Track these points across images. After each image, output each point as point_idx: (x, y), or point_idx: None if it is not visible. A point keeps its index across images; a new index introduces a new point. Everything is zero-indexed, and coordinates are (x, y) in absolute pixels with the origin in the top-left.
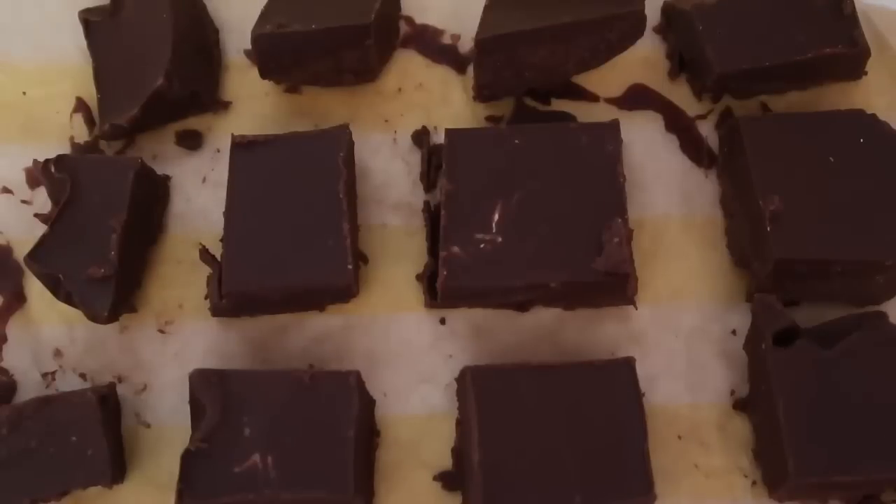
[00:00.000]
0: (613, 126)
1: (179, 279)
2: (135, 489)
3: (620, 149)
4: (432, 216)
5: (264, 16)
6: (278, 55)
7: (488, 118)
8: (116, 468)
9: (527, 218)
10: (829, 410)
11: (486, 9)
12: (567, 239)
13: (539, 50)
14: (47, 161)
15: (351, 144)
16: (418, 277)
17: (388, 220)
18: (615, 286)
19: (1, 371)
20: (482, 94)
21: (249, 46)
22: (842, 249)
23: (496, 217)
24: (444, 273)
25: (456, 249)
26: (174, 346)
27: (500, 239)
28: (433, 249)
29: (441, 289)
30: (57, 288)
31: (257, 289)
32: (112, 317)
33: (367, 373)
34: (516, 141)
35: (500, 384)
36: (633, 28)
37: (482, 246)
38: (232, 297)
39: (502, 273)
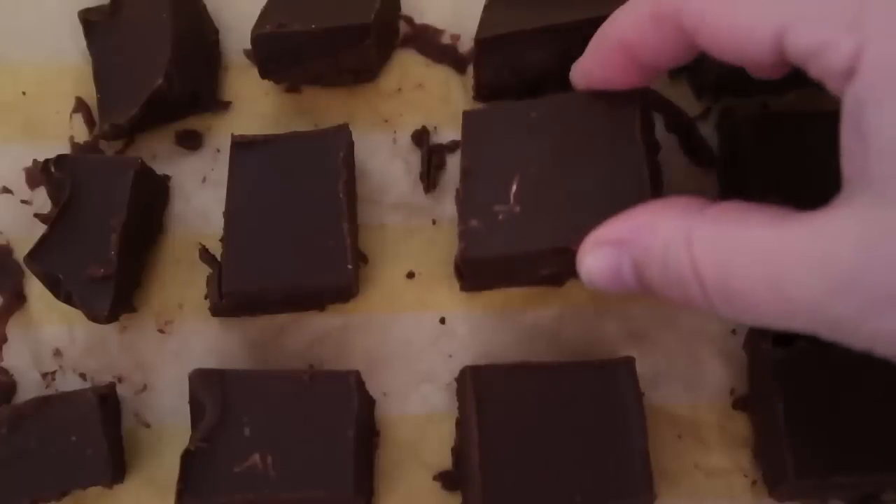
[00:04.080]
0: (632, 94)
1: (179, 279)
2: (135, 489)
3: (639, 115)
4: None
5: (264, 16)
6: (278, 55)
7: None
8: (116, 468)
9: (546, 187)
10: (829, 410)
11: (486, 8)
12: (588, 205)
13: (539, 50)
14: (47, 161)
15: (351, 144)
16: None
17: (387, 219)
18: None
19: (1, 371)
20: (482, 94)
21: (249, 46)
22: None
23: (514, 189)
24: (463, 246)
25: (474, 223)
26: (174, 346)
27: (518, 209)
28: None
29: (461, 259)
30: (57, 288)
31: (257, 289)
32: (112, 317)
33: (367, 373)
34: (532, 114)
35: (499, 384)
36: None
37: (500, 217)
38: (232, 297)
39: (521, 240)
